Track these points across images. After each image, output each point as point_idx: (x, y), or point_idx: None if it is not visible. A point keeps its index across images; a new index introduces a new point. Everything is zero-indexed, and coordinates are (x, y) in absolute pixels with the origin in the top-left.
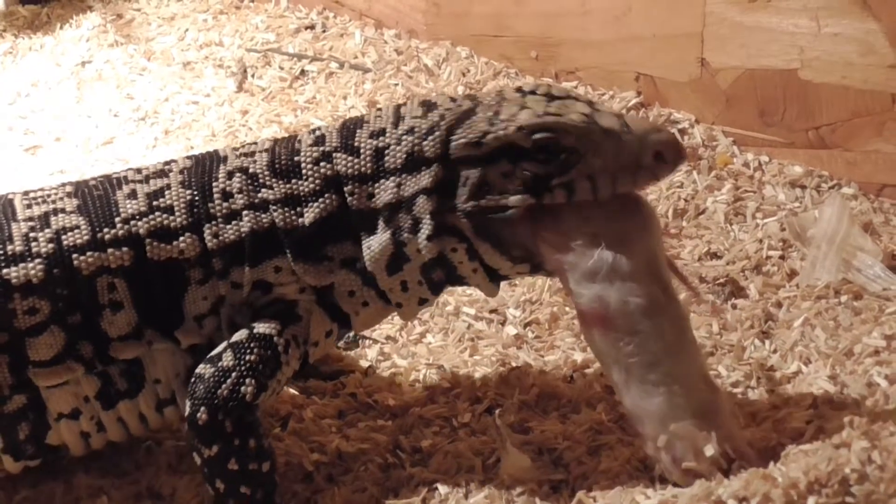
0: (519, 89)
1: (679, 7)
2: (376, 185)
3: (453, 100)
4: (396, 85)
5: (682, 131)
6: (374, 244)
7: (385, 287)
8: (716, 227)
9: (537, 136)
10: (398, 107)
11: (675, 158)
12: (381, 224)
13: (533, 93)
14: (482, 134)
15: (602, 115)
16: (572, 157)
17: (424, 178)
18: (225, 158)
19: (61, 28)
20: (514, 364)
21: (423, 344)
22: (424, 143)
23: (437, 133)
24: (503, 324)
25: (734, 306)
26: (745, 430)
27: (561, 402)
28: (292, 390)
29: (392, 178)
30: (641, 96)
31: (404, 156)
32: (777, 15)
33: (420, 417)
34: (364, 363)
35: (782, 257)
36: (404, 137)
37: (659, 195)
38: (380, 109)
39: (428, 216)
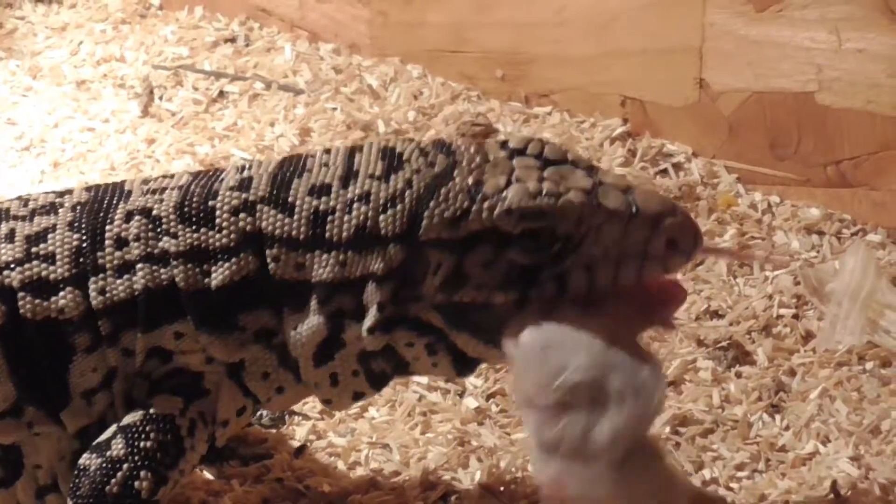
0: (504, 144)
1: (674, 17)
2: (310, 255)
3: (424, 153)
4: (335, 109)
5: (677, 166)
6: (304, 330)
7: (309, 380)
8: (717, 280)
9: (529, 223)
10: (352, 153)
11: (691, 247)
12: (314, 304)
13: (522, 152)
14: (461, 213)
15: (607, 190)
16: (568, 246)
17: (377, 261)
18: (128, 194)
19: None
20: (474, 443)
21: (365, 419)
22: (382, 217)
23: (399, 207)
24: (461, 395)
25: (738, 375)
26: None
27: (531, 489)
28: (207, 474)
29: (334, 253)
30: (628, 124)
31: (353, 229)
32: (790, 27)
33: None
34: (293, 442)
35: (796, 316)
36: (356, 206)
37: None
38: (328, 152)
39: (375, 307)
